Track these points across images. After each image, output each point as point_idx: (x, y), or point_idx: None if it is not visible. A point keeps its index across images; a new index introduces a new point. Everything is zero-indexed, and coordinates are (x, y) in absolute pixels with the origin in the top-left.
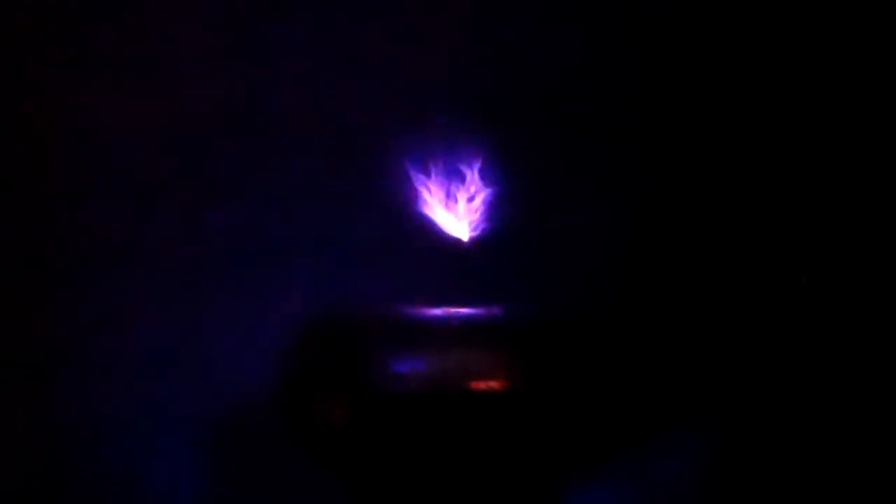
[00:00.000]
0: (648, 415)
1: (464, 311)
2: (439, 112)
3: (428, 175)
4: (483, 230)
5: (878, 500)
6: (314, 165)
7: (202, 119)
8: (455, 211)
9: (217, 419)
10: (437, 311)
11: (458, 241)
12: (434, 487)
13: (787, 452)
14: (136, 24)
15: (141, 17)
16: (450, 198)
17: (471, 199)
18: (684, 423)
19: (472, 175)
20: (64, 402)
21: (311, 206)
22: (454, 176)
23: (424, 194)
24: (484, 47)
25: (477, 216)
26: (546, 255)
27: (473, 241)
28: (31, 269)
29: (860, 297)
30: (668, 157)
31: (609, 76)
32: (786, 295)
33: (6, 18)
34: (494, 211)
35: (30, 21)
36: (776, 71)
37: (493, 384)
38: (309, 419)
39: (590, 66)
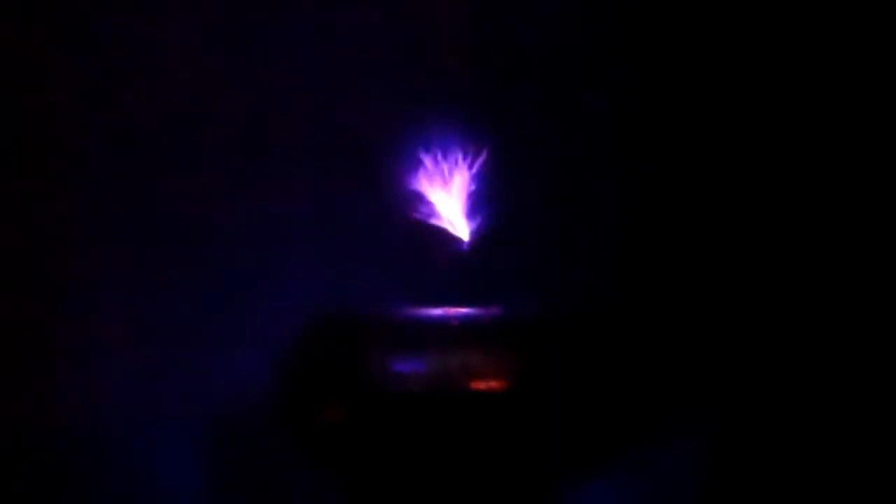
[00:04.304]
0: (649, 414)
1: (464, 311)
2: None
3: (428, 174)
4: (483, 230)
5: (878, 500)
6: (313, 165)
7: (201, 118)
8: (455, 210)
9: (217, 419)
10: (437, 311)
11: (457, 241)
12: (434, 487)
13: (787, 452)
14: (134, 20)
15: (139, 14)
16: (450, 197)
17: (471, 199)
18: (685, 423)
19: (473, 174)
20: (64, 401)
21: (311, 206)
22: (455, 175)
23: (424, 193)
24: (485, 44)
25: (477, 215)
26: (546, 255)
27: (473, 240)
28: (31, 268)
29: (860, 297)
30: (669, 157)
31: (611, 75)
32: (785, 295)
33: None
34: (495, 210)
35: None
36: (776, 71)
37: (493, 384)
38: (309, 419)
39: (592, 64)
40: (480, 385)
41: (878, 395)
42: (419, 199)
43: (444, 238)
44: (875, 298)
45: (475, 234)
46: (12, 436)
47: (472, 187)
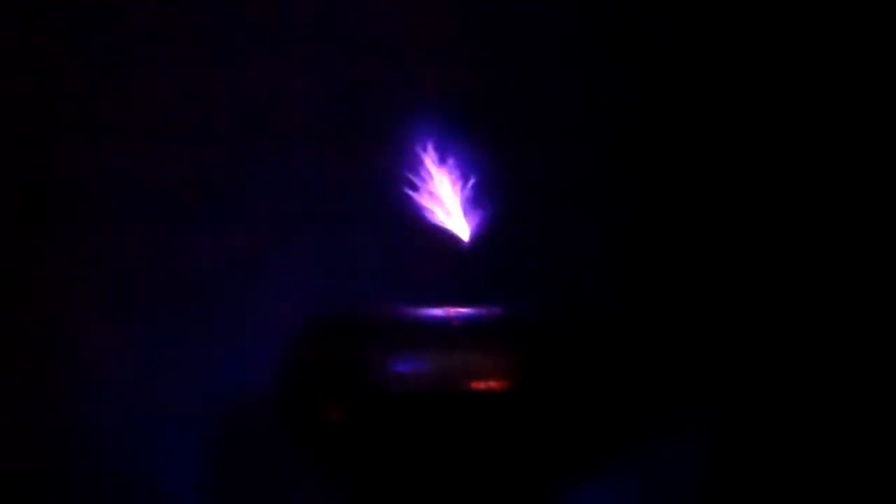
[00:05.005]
0: (649, 415)
1: (464, 311)
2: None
3: (428, 174)
4: (483, 229)
5: (877, 500)
6: (313, 165)
7: (199, 118)
8: (455, 210)
9: (217, 419)
10: (437, 311)
11: (458, 241)
12: (434, 487)
13: (787, 452)
14: (134, 15)
15: (139, 9)
16: (450, 197)
17: (471, 199)
18: (685, 423)
19: (473, 174)
20: (64, 401)
21: (311, 206)
22: (455, 175)
23: (425, 193)
24: (486, 45)
25: (477, 215)
26: (546, 255)
27: (474, 240)
28: (32, 269)
29: (860, 297)
30: (669, 157)
31: (611, 75)
32: (785, 295)
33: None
34: (495, 210)
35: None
36: (776, 71)
37: (493, 384)
38: (309, 419)
39: (592, 64)
40: (480, 385)
41: (878, 395)
42: (419, 199)
43: (445, 238)
44: (875, 298)
45: (475, 234)
46: (12, 436)
47: (472, 187)
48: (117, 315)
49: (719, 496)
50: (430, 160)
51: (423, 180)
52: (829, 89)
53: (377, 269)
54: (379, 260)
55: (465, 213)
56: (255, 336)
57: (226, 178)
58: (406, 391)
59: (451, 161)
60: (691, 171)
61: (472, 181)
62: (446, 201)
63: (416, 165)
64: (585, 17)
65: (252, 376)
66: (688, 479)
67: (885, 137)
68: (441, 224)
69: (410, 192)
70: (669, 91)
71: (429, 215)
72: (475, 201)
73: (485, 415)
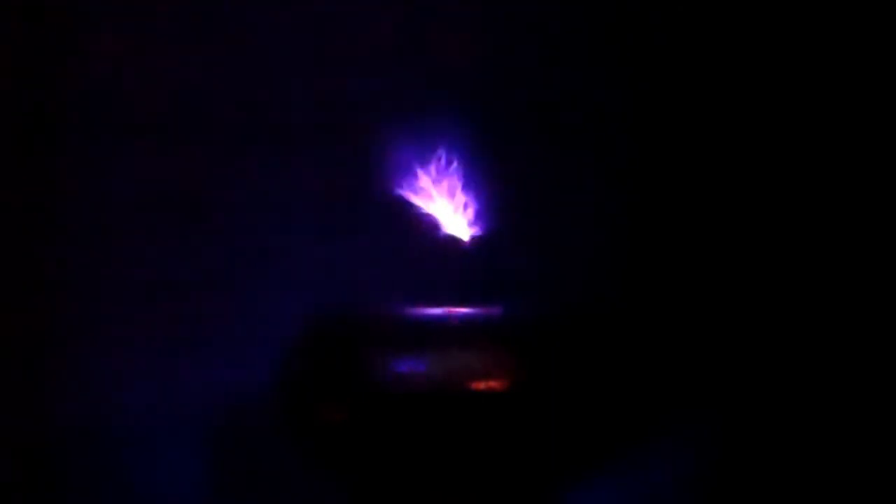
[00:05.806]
0: (649, 415)
1: (464, 311)
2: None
3: (428, 174)
4: (483, 229)
5: (877, 500)
6: (314, 164)
7: (200, 117)
8: (455, 210)
9: (217, 419)
10: (437, 311)
11: (457, 241)
12: (434, 487)
13: (787, 452)
14: (131, 20)
15: (138, 13)
16: (450, 197)
17: (471, 198)
18: (685, 423)
19: (473, 174)
20: (64, 401)
21: (311, 206)
22: (454, 175)
23: (424, 193)
24: (486, 48)
25: (477, 215)
26: (545, 256)
27: (473, 240)
28: (31, 268)
29: (860, 297)
30: (668, 158)
31: (608, 74)
32: (785, 295)
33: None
34: (494, 210)
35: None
36: (776, 71)
37: (493, 384)
38: (309, 419)
39: (591, 65)
40: (480, 385)
41: (878, 395)
42: (420, 199)
43: (444, 238)
44: (875, 298)
45: (475, 235)
46: (13, 436)
47: (473, 188)
48: (118, 316)
49: (719, 496)
50: (430, 161)
51: (424, 181)
52: (830, 89)
53: (377, 269)
54: (379, 260)
55: (465, 214)
56: (256, 337)
57: (226, 179)
58: (406, 391)
59: (451, 162)
60: (691, 172)
61: (471, 182)
62: (446, 202)
63: (416, 166)
64: (586, 17)
65: (252, 377)
66: (688, 479)
67: (884, 137)
68: (441, 224)
69: (411, 193)
70: (669, 91)
71: (429, 216)
72: (475, 202)
73: (485, 415)
